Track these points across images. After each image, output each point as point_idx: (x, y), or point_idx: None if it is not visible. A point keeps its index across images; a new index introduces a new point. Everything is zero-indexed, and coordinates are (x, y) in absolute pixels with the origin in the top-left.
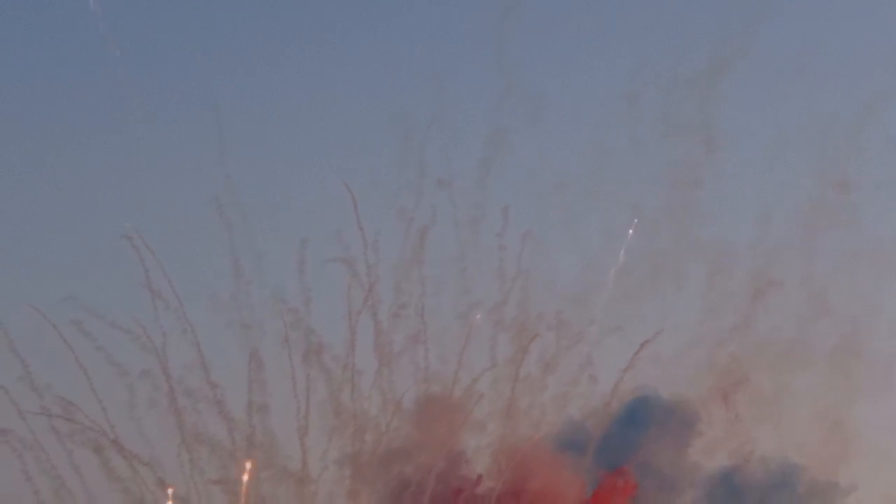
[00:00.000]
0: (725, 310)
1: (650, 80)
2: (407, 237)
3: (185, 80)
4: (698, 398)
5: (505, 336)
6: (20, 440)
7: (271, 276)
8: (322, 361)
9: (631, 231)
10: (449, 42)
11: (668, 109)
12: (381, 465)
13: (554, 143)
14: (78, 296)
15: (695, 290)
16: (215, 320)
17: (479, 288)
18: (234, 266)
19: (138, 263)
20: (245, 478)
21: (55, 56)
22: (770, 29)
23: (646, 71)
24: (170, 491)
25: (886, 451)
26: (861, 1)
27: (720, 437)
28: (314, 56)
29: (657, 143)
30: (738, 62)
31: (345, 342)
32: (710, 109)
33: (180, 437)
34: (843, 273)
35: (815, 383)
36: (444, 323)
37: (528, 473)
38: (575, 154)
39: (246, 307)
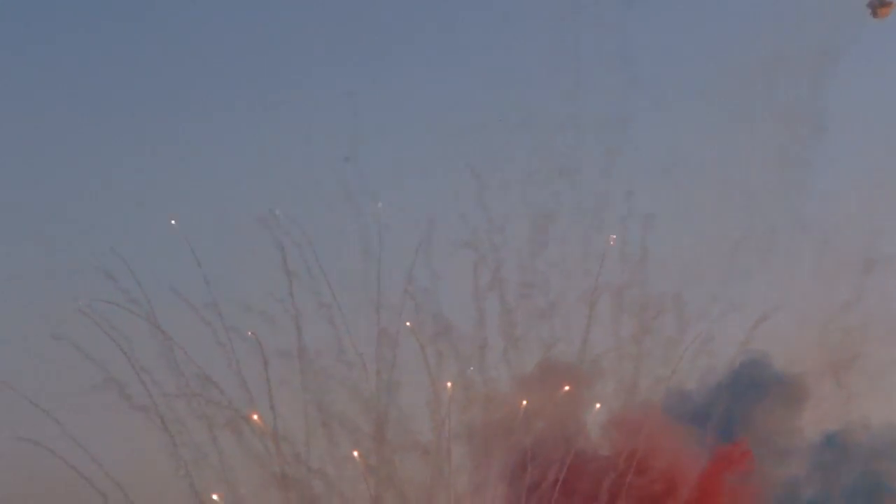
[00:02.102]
0: (836, 285)
1: (761, 62)
2: (532, 222)
3: (316, 68)
4: (810, 372)
5: (627, 315)
6: (161, 417)
7: (400, 258)
8: (450, 339)
9: None
10: (572, 31)
11: (778, 91)
12: (505, 437)
13: (670, 128)
14: (214, 278)
15: (806, 266)
16: (347, 300)
17: (603, 270)
18: (363, 247)
19: (273, 245)
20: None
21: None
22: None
23: (756, 52)
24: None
25: None
26: None
27: (830, 408)
28: (445, 42)
29: (767, 124)
30: (848, 45)
31: (471, 321)
32: (819, 90)
33: (315, 414)
34: None
35: None
36: (568, 303)
37: (644, 444)
38: (690, 137)
39: (375, 288)
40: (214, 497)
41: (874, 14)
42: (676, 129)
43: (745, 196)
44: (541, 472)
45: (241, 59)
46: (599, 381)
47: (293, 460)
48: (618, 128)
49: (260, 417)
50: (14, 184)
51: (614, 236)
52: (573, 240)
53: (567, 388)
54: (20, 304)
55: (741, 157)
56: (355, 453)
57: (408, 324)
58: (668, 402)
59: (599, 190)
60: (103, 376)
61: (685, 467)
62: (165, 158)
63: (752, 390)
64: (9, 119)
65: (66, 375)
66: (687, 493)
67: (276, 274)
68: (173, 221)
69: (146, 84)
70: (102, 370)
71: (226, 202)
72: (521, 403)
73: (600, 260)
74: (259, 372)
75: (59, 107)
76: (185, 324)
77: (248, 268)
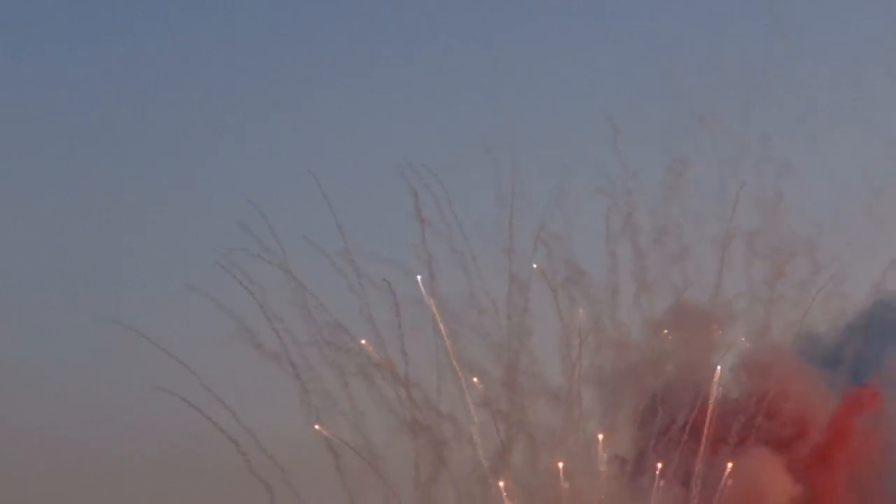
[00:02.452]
0: None
1: None
2: (666, 168)
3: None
4: None
5: (759, 260)
6: (293, 365)
7: (534, 205)
8: (582, 285)
9: None
10: None
11: None
12: (636, 381)
13: (809, 75)
14: (348, 227)
15: None
16: (479, 248)
17: (736, 215)
18: (496, 194)
19: (406, 194)
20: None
21: None
22: None
23: None
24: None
25: None
26: None
27: None
28: None
29: None
30: None
31: (603, 267)
32: None
33: (446, 360)
34: None
35: None
36: (700, 249)
37: (775, 387)
38: (830, 85)
39: (507, 234)
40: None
41: None
42: (815, 77)
43: (883, 144)
44: (670, 416)
45: (379, 12)
46: (731, 325)
47: (424, 407)
48: (756, 75)
49: (392, 364)
50: (156, 135)
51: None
52: (707, 186)
53: (708, 328)
54: (156, 255)
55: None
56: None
57: (534, 266)
58: (799, 345)
59: (735, 137)
60: (237, 326)
61: (815, 410)
62: (301, 110)
63: (883, 332)
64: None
65: (200, 325)
66: (817, 436)
67: (409, 222)
68: (309, 171)
69: (279, 40)
70: (236, 320)
71: (360, 152)
72: (662, 333)
73: (733, 205)
74: (391, 319)
75: (196, 63)
76: (319, 273)
77: (381, 216)
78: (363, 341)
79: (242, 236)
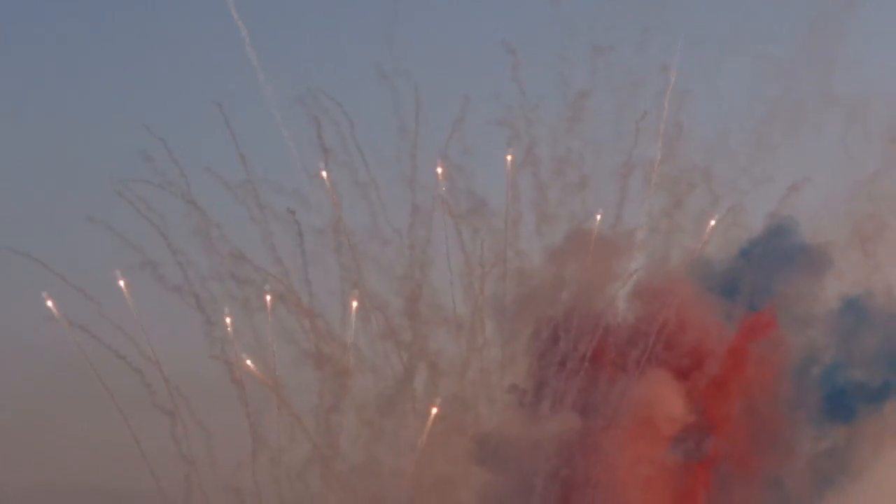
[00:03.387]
0: (862, 158)
1: None
2: (565, 100)
3: None
4: (836, 242)
5: (659, 190)
6: (196, 297)
7: (433, 135)
8: (484, 215)
9: None
10: None
11: None
12: (535, 308)
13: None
14: (250, 156)
15: (833, 140)
16: (382, 178)
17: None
18: (398, 125)
19: (309, 123)
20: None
21: None
22: None
23: None
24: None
25: None
26: None
27: (854, 277)
28: None
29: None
30: None
31: (503, 198)
32: None
33: (350, 291)
34: None
35: None
36: (600, 180)
37: (672, 313)
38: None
39: (410, 165)
40: (249, 363)
41: None
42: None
43: (774, 70)
44: (569, 344)
45: None
46: (631, 254)
47: (327, 337)
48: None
49: (295, 295)
50: (46, 63)
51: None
52: (607, 117)
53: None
54: (55, 186)
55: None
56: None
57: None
58: (696, 273)
59: (634, 67)
60: (139, 258)
61: (713, 340)
62: (203, 37)
63: (777, 259)
64: None
65: (100, 257)
66: (715, 365)
67: (312, 152)
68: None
69: None
70: (138, 252)
71: (262, 80)
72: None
73: (633, 136)
74: (294, 250)
75: None
76: (222, 203)
77: (283, 146)
78: (267, 272)
79: (144, 167)
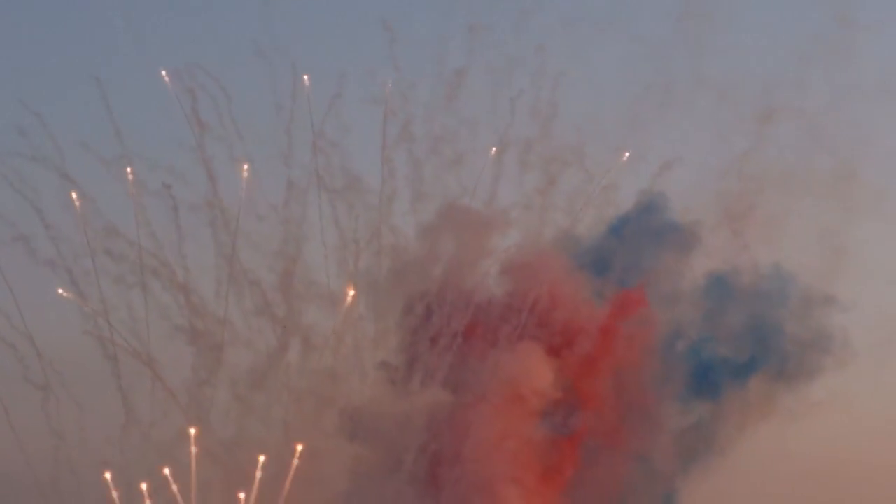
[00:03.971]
0: (732, 139)
1: None
2: (442, 78)
3: None
4: (705, 220)
5: (533, 169)
6: (70, 272)
7: (310, 110)
8: (359, 191)
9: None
10: None
11: None
12: (402, 282)
13: None
14: (126, 131)
15: (704, 120)
16: (258, 155)
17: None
18: (274, 102)
19: (185, 98)
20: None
21: None
22: None
23: None
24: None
25: (881, 268)
26: None
27: (723, 255)
28: None
29: None
30: None
31: (380, 174)
32: None
33: (224, 266)
34: (840, 104)
35: (816, 207)
36: (477, 158)
37: (544, 288)
38: None
39: (286, 141)
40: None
41: None
42: None
43: (645, 50)
44: (443, 320)
45: None
46: (504, 231)
47: (201, 312)
48: None
49: (170, 270)
50: None
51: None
52: (483, 96)
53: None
54: None
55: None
56: None
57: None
58: (568, 250)
59: (510, 47)
60: (11, 232)
61: (584, 317)
62: (80, 13)
63: (647, 237)
64: None
65: None
66: (586, 343)
67: (188, 128)
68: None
69: None
70: (10, 226)
71: (138, 53)
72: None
73: (508, 115)
74: (169, 226)
75: None
76: (96, 179)
77: (159, 121)
78: (141, 246)
79: (18, 141)
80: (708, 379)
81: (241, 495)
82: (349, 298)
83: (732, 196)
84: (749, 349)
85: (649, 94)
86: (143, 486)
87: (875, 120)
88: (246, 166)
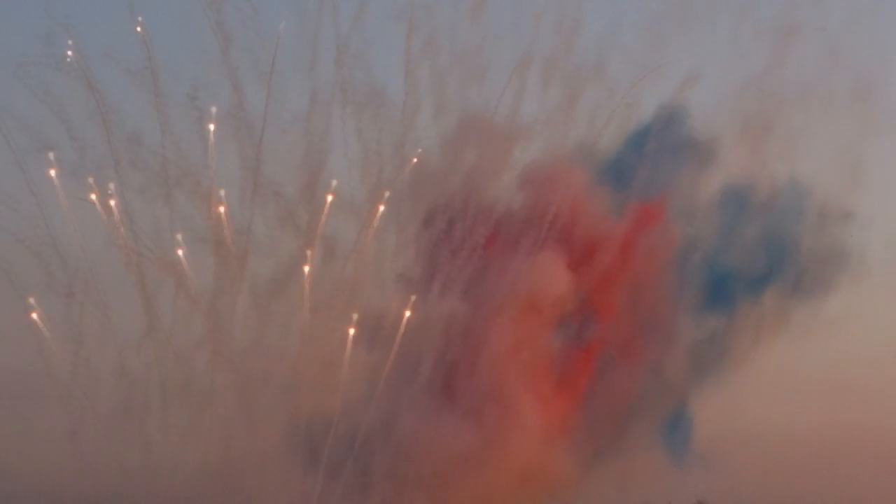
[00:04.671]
0: (752, 56)
1: None
2: None
3: None
4: (725, 136)
5: (555, 83)
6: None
7: (335, 22)
8: (383, 104)
9: None
10: None
11: None
12: (421, 191)
13: None
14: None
15: (724, 37)
16: (283, 66)
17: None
18: (299, 14)
19: (205, 10)
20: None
21: None
22: None
23: None
24: None
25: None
26: None
27: (742, 170)
28: None
29: None
30: None
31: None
32: None
33: (249, 177)
34: (860, 22)
35: (834, 124)
36: (499, 74)
37: (564, 200)
38: None
39: (311, 53)
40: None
41: None
42: None
43: None
44: (464, 231)
45: None
46: (526, 145)
47: (225, 222)
48: None
49: (195, 179)
50: None
51: None
52: (507, 11)
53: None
54: None
55: None
56: None
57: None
58: (587, 162)
59: None
60: (37, 142)
61: (602, 231)
62: None
63: (667, 150)
64: None
65: None
66: (605, 256)
67: (214, 38)
68: None
69: None
70: (36, 135)
71: None
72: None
73: (532, 31)
74: (193, 137)
75: None
76: (122, 89)
77: (185, 31)
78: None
79: (44, 51)
80: (722, 292)
81: None
82: (377, 213)
83: (752, 112)
84: (764, 263)
85: (671, 10)
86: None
87: (894, 38)
88: (270, 78)
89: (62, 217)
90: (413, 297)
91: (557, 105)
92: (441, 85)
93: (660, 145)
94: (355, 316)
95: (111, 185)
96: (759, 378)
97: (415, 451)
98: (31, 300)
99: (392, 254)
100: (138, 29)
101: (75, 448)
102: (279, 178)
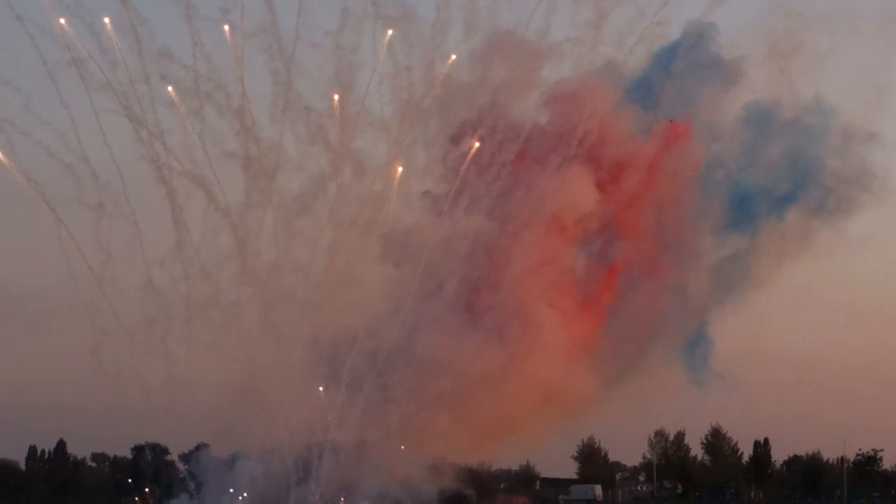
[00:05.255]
0: None
1: None
2: None
3: None
4: (751, 56)
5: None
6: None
7: None
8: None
9: None
10: None
11: None
12: (449, 107)
13: None
14: None
15: None
16: None
17: None
18: None
19: None
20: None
21: None
22: None
23: None
24: None
25: None
26: None
27: (766, 90)
28: None
29: None
30: None
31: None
32: None
33: (280, 93)
34: None
35: (861, 47)
36: None
37: (588, 116)
38: None
39: None
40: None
41: None
42: None
43: None
44: (493, 147)
45: None
46: (554, 62)
47: (255, 138)
48: None
49: (226, 94)
50: None
51: None
52: None
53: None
54: None
55: None
56: None
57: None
58: (614, 81)
59: None
60: (67, 57)
61: (631, 151)
62: None
63: (694, 69)
64: None
65: (29, 53)
66: (634, 178)
67: None
68: None
69: None
70: (67, 50)
71: None
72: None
73: None
74: (225, 50)
75: None
76: (152, 3)
77: None
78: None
79: None
80: (746, 210)
81: None
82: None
83: (778, 33)
84: (788, 181)
85: None
86: None
87: None
88: None
89: (93, 131)
90: (439, 214)
91: (587, 23)
92: (472, 2)
93: (688, 64)
94: (380, 232)
95: (142, 99)
96: (780, 299)
97: (437, 368)
98: (60, 214)
99: (420, 171)
100: None
101: (97, 361)
102: (309, 93)
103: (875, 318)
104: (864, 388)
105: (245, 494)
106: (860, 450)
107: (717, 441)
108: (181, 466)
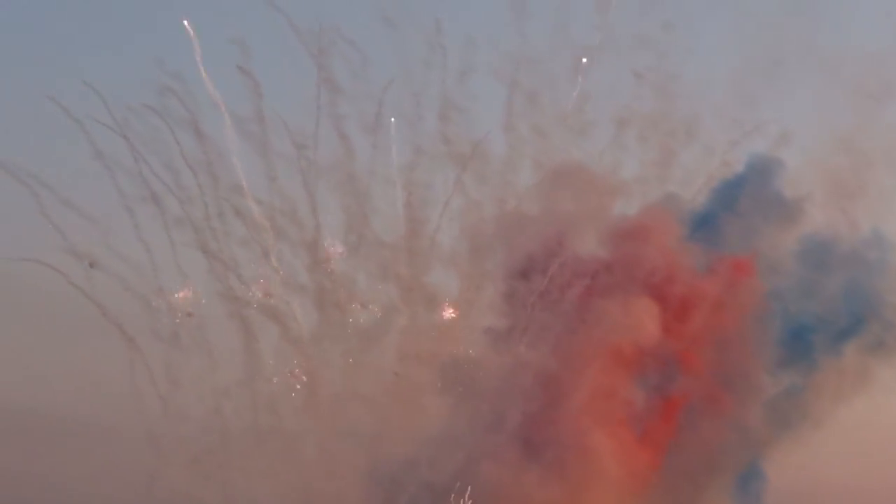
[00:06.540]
0: (842, 114)
1: None
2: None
3: None
4: (815, 195)
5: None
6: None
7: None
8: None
9: None
10: None
11: None
12: (506, 233)
13: None
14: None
15: (811, 95)
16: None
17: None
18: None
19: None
20: None
21: None
22: None
23: None
24: None
25: None
26: None
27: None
28: None
29: None
30: None
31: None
32: None
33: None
34: None
35: None
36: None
37: (655, 253)
38: None
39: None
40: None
41: None
42: None
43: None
44: (561, 282)
45: None
46: (621, 197)
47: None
48: None
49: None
50: None
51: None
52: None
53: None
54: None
55: None
56: None
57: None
58: (681, 218)
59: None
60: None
61: (697, 289)
62: None
63: (759, 206)
64: None
65: (107, 189)
66: (699, 317)
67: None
68: None
69: None
70: (144, 183)
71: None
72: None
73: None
74: (298, 188)
75: None
76: (228, 137)
77: (288, 78)
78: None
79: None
80: (803, 344)
81: None
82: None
83: (842, 172)
84: (847, 315)
85: (760, 68)
86: None
87: None
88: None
89: (169, 265)
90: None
91: (653, 161)
92: (542, 139)
93: (752, 200)
94: (443, 365)
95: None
96: (838, 437)
97: (496, 500)
98: (135, 343)
99: (485, 305)
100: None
101: (152, 487)
102: (381, 228)
103: None
104: None
105: None
106: None
107: None
108: None
